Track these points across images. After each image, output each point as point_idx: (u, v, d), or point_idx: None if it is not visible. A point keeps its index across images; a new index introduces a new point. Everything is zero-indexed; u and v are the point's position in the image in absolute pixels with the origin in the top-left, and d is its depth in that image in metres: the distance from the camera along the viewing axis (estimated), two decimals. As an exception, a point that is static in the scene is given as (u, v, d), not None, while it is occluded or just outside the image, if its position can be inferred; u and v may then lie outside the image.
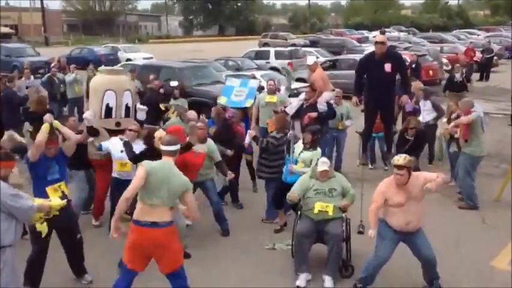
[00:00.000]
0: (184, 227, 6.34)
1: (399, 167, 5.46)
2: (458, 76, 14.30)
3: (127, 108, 7.65)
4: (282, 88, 11.66)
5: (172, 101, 11.04)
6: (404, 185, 5.50)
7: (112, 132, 7.52)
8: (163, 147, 5.16)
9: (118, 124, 7.52)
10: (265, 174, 7.78)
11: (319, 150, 7.18)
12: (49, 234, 5.69)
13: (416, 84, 10.98)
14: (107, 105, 7.49)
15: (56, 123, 5.95)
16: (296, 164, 7.10)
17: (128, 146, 6.80)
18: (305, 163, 7.02)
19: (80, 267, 6.16)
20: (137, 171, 5.04)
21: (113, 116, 7.52)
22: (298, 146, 7.25)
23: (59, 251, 6.01)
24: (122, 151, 6.93)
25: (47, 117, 5.94)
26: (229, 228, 7.53)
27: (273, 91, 10.34)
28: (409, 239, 5.69)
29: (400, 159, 5.49)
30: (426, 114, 10.12)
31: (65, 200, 5.50)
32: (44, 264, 5.84)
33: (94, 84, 7.80)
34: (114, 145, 7.20)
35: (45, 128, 5.76)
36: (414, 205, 5.55)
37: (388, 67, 8.07)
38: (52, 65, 15.53)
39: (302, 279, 6.05)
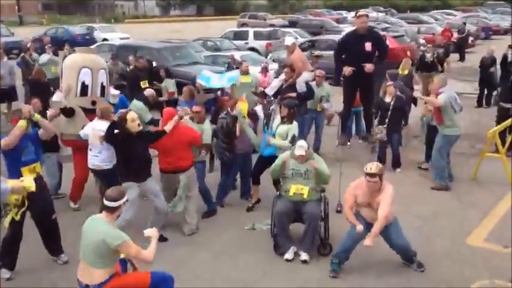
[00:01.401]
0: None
1: (372, 175, 5.55)
2: (429, 56, 14.42)
3: (102, 87, 7.54)
4: (271, 72, 11.77)
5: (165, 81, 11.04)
6: (376, 191, 5.64)
7: (88, 112, 7.40)
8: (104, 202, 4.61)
9: (94, 103, 7.41)
10: (226, 156, 7.68)
11: (295, 124, 7.27)
12: (23, 215, 5.64)
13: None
14: (83, 83, 7.35)
15: (37, 116, 5.86)
16: (274, 137, 7.18)
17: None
18: (281, 136, 7.15)
19: (56, 247, 6.15)
20: None
21: (89, 94, 7.41)
22: (276, 120, 7.34)
23: (34, 231, 5.97)
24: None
25: (27, 110, 5.82)
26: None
27: (247, 72, 10.41)
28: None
29: (373, 167, 5.59)
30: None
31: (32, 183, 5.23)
32: (19, 244, 5.83)
33: (68, 62, 7.66)
34: (94, 130, 6.97)
35: (22, 123, 5.67)
36: (376, 211, 5.66)
37: (368, 46, 8.08)
38: (28, 45, 15.17)
39: (290, 252, 6.19)
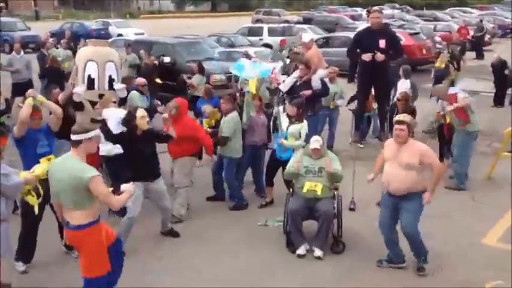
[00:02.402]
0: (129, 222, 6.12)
1: (400, 122, 5.55)
2: (444, 53, 14.33)
3: (111, 80, 7.36)
4: (278, 65, 11.63)
5: (198, 77, 11.04)
6: (402, 143, 5.55)
7: (95, 105, 7.36)
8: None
9: (101, 96, 7.29)
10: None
11: (305, 122, 7.24)
12: (42, 208, 5.68)
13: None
14: (89, 76, 7.21)
15: (40, 97, 5.92)
16: (286, 139, 7.14)
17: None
18: (294, 136, 7.12)
19: None
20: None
21: (96, 87, 7.28)
22: (284, 121, 7.29)
23: (47, 225, 6.02)
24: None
25: (30, 91, 5.88)
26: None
27: None
28: (399, 208, 5.68)
29: (401, 116, 5.63)
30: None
31: (44, 166, 5.25)
32: (35, 238, 5.88)
33: (77, 57, 7.63)
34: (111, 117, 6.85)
35: (28, 102, 5.72)
36: (398, 168, 5.54)
37: (382, 43, 8.03)
38: (51, 40, 15.30)
39: (302, 248, 6.19)
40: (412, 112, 8.99)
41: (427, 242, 5.92)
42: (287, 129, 7.21)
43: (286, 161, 6.75)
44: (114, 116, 6.80)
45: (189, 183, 7.27)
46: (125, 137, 6.28)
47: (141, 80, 9.26)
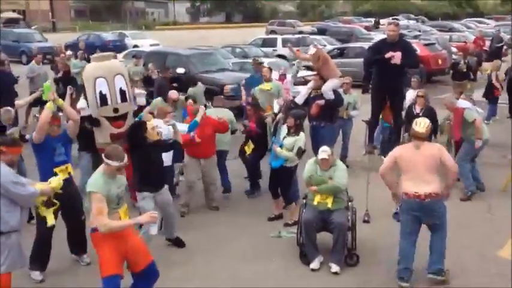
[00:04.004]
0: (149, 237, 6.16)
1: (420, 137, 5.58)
2: (461, 64, 14.24)
3: (122, 92, 7.33)
4: (288, 76, 11.59)
5: (190, 88, 11.05)
6: (420, 147, 5.58)
7: (112, 120, 7.43)
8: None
9: (116, 110, 7.33)
10: None
11: (302, 135, 7.20)
12: (55, 217, 5.72)
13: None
14: (100, 93, 7.20)
15: (60, 100, 5.96)
16: (281, 147, 7.17)
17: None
18: (288, 149, 7.11)
19: (80, 247, 6.24)
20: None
21: (109, 102, 7.32)
22: (283, 130, 7.32)
23: (56, 233, 6.03)
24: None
25: (50, 95, 5.94)
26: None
27: (268, 79, 10.30)
28: (425, 220, 5.69)
29: (422, 124, 5.62)
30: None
31: (60, 179, 5.44)
32: (50, 246, 5.93)
33: (85, 75, 7.56)
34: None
35: (48, 105, 5.78)
36: (422, 173, 5.53)
37: (398, 55, 7.98)
38: (68, 53, 15.50)
39: (316, 262, 6.12)
40: (431, 110, 8.95)
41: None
42: (283, 139, 7.22)
43: (276, 169, 7.08)
44: (167, 129, 6.95)
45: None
46: (135, 146, 6.32)
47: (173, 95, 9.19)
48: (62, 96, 12.35)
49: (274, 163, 7.26)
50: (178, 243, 6.75)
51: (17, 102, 8.19)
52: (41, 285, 5.80)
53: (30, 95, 12.64)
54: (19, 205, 4.97)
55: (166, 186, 6.52)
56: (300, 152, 7.05)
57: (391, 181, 5.83)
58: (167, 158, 6.92)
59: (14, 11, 64.52)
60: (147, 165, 6.24)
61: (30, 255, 5.75)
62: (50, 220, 5.59)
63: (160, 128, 6.43)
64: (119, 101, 7.33)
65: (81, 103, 7.34)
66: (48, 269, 5.97)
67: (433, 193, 5.52)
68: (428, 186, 5.51)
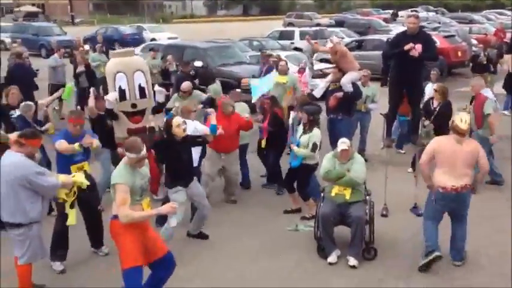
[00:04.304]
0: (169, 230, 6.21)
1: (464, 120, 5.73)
2: (482, 57, 14.03)
3: (141, 88, 7.52)
4: (307, 69, 11.54)
5: (210, 86, 11.05)
6: (463, 141, 5.74)
7: (130, 115, 7.50)
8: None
9: (134, 105, 7.44)
10: None
11: (316, 131, 7.13)
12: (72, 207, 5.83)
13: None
14: (120, 88, 7.37)
15: (95, 147, 6.09)
16: (298, 146, 7.15)
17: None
18: (304, 146, 7.09)
19: (97, 239, 6.33)
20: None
21: (127, 98, 7.44)
22: (300, 129, 7.31)
23: (74, 226, 6.06)
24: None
25: (88, 141, 6.04)
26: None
27: (284, 72, 10.23)
28: (451, 211, 5.90)
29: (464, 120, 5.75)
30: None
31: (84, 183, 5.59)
32: (68, 236, 6.00)
33: (106, 70, 7.74)
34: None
35: (78, 148, 5.89)
36: (460, 166, 5.69)
37: (418, 47, 7.88)
38: (87, 47, 15.59)
39: (333, 256, 6.11)
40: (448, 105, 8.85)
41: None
42: (300, 137, 7.19)
43: (295, 169, 7.10)
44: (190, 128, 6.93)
45: None
46: (167, 146, 6.36)
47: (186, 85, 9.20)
48: (84, 90, 12.57)
49: (293, 163, 7.20)
50: (202, 236, 6.79)
51: (40, 102, 8.39)
52: (62, 275, 5.87)
53: (48, 88, 12.88)
54: (41, 196, 5.05)
55: (195, 179, 6.55)
56: (315, 148, 7.02)
57: (428, 173, 5.93)
58: (195, 154, 6.90)
59: (33, 4, 65.22)
60: (176, 163, 6.28)
61: (50, 247, 5.83)
62: (72, 220, 5.66)
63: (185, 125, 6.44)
64: (138, 97, 7.46)
65: (110, 96, 7.39)
66: (68, 260, 6.04)
67: (468, 185, 5.76)
68: (464, 179, 5.73)
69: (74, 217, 5.72)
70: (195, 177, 6.58)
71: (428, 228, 5.93)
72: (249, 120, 7.94)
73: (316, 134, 7.10)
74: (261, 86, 9.33)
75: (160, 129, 7.22)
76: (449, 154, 5.71)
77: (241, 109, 8.31)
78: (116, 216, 4.75)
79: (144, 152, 4.85)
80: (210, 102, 8.55)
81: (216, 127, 7.04)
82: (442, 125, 8.10)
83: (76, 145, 5.87)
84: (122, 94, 7.39)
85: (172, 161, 6.34)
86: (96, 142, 6.17)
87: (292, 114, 7.87)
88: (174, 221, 5.99)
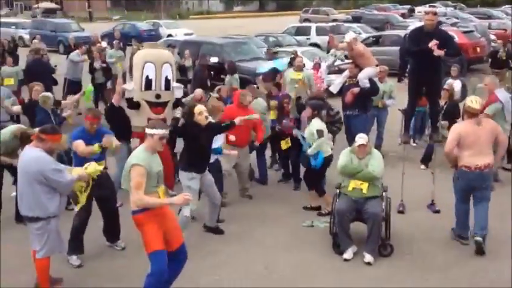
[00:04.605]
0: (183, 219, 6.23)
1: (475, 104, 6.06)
2: (501, 52, 13.85)
3: (167, 81, 7.65)
4: (323, 65, 11.49)
5: (228, 77, 11.10)
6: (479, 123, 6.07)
7: (153, 105, 7.57)
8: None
9: (158, 96, 7.56)
10: None
11: (313, 122, 7.15)
12: (90, 204, 5.90)
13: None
14: (147, 77, 7.51)
15: (106, 145, 6.02)
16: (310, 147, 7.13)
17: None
18: (311, 140, 7.07)
19: (114, 234, 6.38)
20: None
21: (153, 88, 7.55)
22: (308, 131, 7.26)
23: (93, 219, 6.15)
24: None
25: (108, 141, 6.02)
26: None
27: (300, 68, 10.21)
28: (474, 192, 6.18)
29: (474, 101, 6.09)
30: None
31: (101, 166, 5.61)
32: (84, 231, 6.06)
33: (135, 58, 7.89)
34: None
35: (95, 149, 5.91)
36: (482, 146, 6.02)
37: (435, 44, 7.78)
38: (104, 45, 15.70)
39: (349, 252, 6.08)
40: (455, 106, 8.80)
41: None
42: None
43: (318, 168, 7.06)
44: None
45: None
46: (188, 130, 6.39)
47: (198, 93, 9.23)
48: (101, 86, 12.70)
49: (314, 162, 7.10)
50: (217, 231, 6.81)
51: (64, 102, 8.56)
52: (79, 269, 5.93)
53: (65, 82, 13.02)
54: (58, 192, 5.10)
55: (207, 169, 6.59)
56: (321, 134, 7.00)
57: (455, 158, 6.18)
58: (218, 143, 6.99)
59: (51, 1, 65.81)
60: (194, 147, 6.29)
61: (68, 241, 5.89)
62: (82, 200, 5.67)
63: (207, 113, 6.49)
64: (163, 88, 7.58)
65: (128, 85, 7.51)
66: (85, 254, 6.11)
67: (491, 163, 6.09)
68: (486, 157, 6.05)
69: (84, 199, 5.71)
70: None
71: (459, 208, 6.30)
72: (262, 125, 7.86)
73: (314, 124, 7.11)
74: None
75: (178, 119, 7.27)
76: (472, 137, 6.02)
77: (259, 105, 8.31)
78: (135, 212, 4.78)
79: (168, 130, 4.91)
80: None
81: (221, 149, 7.12)
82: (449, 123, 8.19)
83: (96, 146, 5.90)
84: (148, 83, 7.53)
85: (191, 145, 6.34)
86: (115, 142, 6.19)
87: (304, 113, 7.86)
88: (187, 210, 6.01)
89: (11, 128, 6.71)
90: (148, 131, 4.86)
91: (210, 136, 6.52)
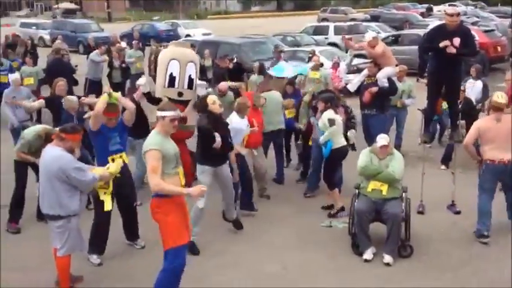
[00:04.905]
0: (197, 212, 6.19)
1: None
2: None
3: (190, 79, 7.66)
4: (342, 64, 11.46)
5: (255, 77, 11.11)
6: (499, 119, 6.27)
7: (175, 102, 7.59)
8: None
9: (180, 94, 7.57)
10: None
11: (324, 113, 7.14)
12: (111, 201, 5.92)
13: None
14: (171, 74, 7.54)
15: (115, 94, 6.06)
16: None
17: None
18: (324, 127, 7.10)
19: (133, 232, 6.42)
20: None
21: (176, 85, 7.58)
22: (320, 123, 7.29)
23: (112, 217, 6.14)
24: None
25: (106, 88, 6.11)
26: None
27: (317, 67, 10.22)
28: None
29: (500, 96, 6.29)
30: (472, 96, 9.67)
31: (118, 164, 5.65)
32: (107, 230, 6.08)
33: (160, 56, 7.95)
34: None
35: (103, 98, 5.92)
36: (504, 142, 6.17)
37: (456, 41, 7.67)
38: (123, 45, 15.75)
39: (368, 253, 6.04)
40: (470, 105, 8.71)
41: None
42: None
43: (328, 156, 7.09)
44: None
45: None
46: (204, 121, 6.37)
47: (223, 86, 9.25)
48: (120, 85, 12.80)
49: (325, 151, 7.15)
50: (236, 224, 6.80)
51: (84, 99, 8.65)
52: (99, 268, 5.98)
53: (85, 82, 13.17)
54: (79, 190, 5.16)
55: (227, 162, 6.55)
56: (333, 123, 7.00)
57: (473, 151, 6.44)
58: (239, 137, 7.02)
59: (71, 1, 66.56)
60: (208, 139, 6.22)
61: (89, 239, 5.94)
62: (108, 205, 5.77)
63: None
64: (186, 86, 7.60)
65: (142, 80, 7.58)
66: (105, 252, 6.15)
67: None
68: (508, 153, 6.19)
69: (109, 202, 5.80)
70: (227, 161, 6.56)
71: (481, 202, 6.37)
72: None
73: (326, 114, 7.12)
74: (288, 69, 9.36)
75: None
76: (492, 132, 6.22)
77: (275, 97, 8.34)
78: (155, 196, 4.75)
79: (179, 112, 4.95)
80: (237, 92, 8.68)
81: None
82: (466, 122, 8.23)
83: (104, 95, 5.95)
84: (172, 81, 7.56)
85: (205, 137, 6.30)
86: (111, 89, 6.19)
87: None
88: (201, 202, 5.99)
89: (36, 128, 6.81)
90: (159, 113, 4.86)
91: (225, 127, 6.45)
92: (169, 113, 4.85)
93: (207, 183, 6.16)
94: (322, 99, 7.33)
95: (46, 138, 6.17)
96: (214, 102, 6.34)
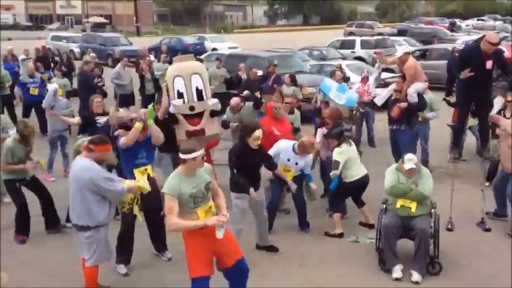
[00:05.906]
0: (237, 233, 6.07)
1: None
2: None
3: (198, 91, 7.65)
4: (371, 78, 11.40)
5: (285, 89, 11.13)
6: None
7: (188, 117, 7.64)
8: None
9: (192, 108, 7.61)
10: None
11: (335, 150, 7.03)
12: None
13: None
14: (178, 91, 7.58)
15: (150, 121, 6.07)
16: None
17: None
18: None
19: (161, 243, 6.45)
20: None
21: (185, 100, 7.62)
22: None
23: (137, 230, 6.20)
24: (288, 159, 6.93)
25: (142, 112, 6.12)
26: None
27: (338, 81, 10.17)
28: None
29: None
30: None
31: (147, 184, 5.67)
32: (133, 240, 6.13)
33: (167, 75, 7.99)
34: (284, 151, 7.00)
35: (137, 126, 5.93)
36: None
37: (489, 63, 7.61)
38: (152, 58, 15.91)
39: (397, 270, 5.92)
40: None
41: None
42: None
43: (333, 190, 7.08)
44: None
45: None
46: (239, 150, 6.32)
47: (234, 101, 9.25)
48: (153, 97, 12.94)
49: (332, 185, 7.13)
50: (272, 249, 6.69)
51: (119, 115, 8.75)
52: (125, 278, 6.02)
53: (116, 97, 13.36)
54: (108, 201, 5.22)
55: (262, 189, 6.55)
56: (337, 164, 6.89)
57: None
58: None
59: (101, 15, 67.97)
60: (244, 167, 6.21)
61: (116, 250, 5.99)
62: (139, 218, 5.84)
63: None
64: (195, 99, 7.62)
65: (178, 101, 7.63)
66: (132, 262, 6.19)
67: None
68: None
69: (139, 215, 5.87)
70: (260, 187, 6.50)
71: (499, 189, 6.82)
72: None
73: (335, 152, 7.00)
74: (336, 94, 9.28)
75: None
76: None
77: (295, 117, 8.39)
78: None
79: (196, 154, 4.69)
80: (258, 103, 8.56)
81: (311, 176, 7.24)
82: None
83: (137, 124, 5.95)
84: (180, 97, 7.60)
85: (242, 166, 6.22)
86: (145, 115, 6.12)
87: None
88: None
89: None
90: (185, 156, 4.68)
91: (259, 158, 6.38)
92: (199, 153, 4.70)
93: (244, 208, 6.20)
94: (333, 136, 7.20)
95: (22, 138, 6.80)
96: (257, 139, 6.13)
